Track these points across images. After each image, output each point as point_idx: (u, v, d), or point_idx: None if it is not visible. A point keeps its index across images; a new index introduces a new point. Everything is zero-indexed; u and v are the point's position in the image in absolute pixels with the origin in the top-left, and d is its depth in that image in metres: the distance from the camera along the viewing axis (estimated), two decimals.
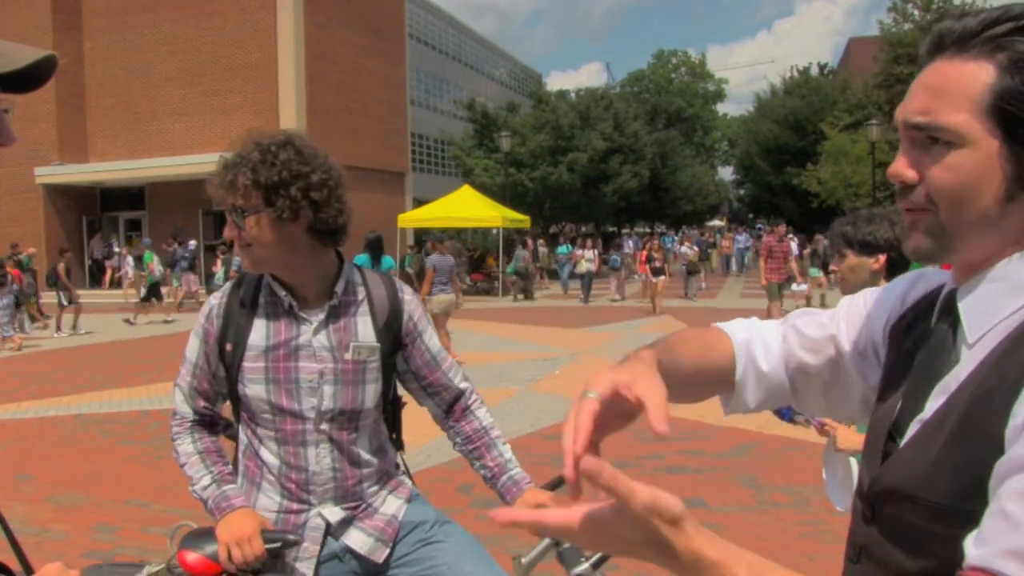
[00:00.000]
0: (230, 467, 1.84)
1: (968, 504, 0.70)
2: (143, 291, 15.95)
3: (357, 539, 1.78)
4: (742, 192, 62.03)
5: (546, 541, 1.74)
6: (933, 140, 0.78)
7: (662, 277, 16.46)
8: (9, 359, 11.45)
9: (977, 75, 0.76)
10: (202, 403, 1.82)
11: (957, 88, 0.77)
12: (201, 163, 21.00)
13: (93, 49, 24.54)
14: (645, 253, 18.25)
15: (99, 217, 25.41)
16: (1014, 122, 0.75)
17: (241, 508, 1.73)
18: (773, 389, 1.07)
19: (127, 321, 15.24)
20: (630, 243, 26.03)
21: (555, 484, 1.97)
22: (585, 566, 1.64)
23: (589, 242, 20.80)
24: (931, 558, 0.74)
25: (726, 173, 69.00)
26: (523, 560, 1.78)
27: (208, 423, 1.85)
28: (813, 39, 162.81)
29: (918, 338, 0.89)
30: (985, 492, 0.68)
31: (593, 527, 0.69)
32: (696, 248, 21.19)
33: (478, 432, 1.90)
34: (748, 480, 5.04)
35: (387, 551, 1.79)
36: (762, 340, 1.07)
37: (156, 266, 16.57)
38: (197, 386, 1.81)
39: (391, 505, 1.83)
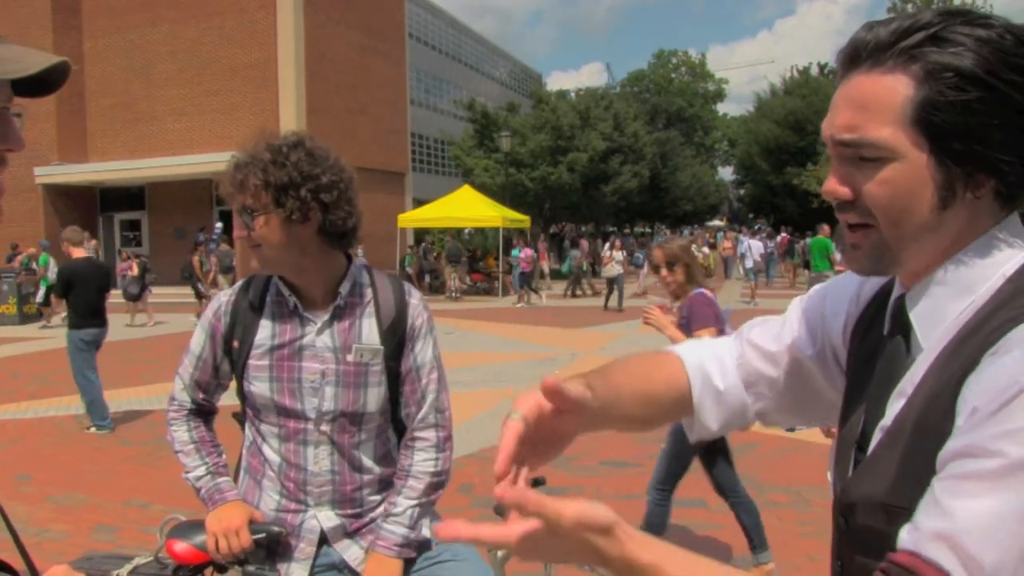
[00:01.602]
0: (224, 458, 1.86)
1: None
2: (40, 295, 15.49)
3: (357, 555, 1.77)
4: (742, 192, 62.03)
5: None
6: (863, 155, 0.80)
7: None
8: (9, 359, 11.45)
9: (896, 88, 0.77)
10: (201, 395, 1.86)
11: (879, 102, 0.78)
12: (201, 163, 21.04)
13: (93, 49, 24.54)
14: None
15: (98, 217, 25.41)
16: (939, 132, 0.76)
17: (232, 501, 1.76)
18: (733, 408, 1.05)
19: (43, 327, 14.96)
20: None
21: (534, 484, 1.95)
22: None
23: (619, 242, 19.54)
24: None
25: (726, 173, 69.03)
26: (499, 554, 1.77)
27: (204, 412, 1.89)
28: (814, 39, 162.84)
29: (875, 343, 0.90)
30: None
31: (530, 543, 0.72)
32: (707, 250, 20.48)
33: (402, 471, 1.80)
34: (748, 480, 5.03)
35: None
36: (716, 359, 1.07)
37: (51, 269, 16.13)
38: (199, 378, 1.84)
39: None
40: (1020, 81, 0.74)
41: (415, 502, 1.75)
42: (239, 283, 1.85)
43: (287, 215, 1.64)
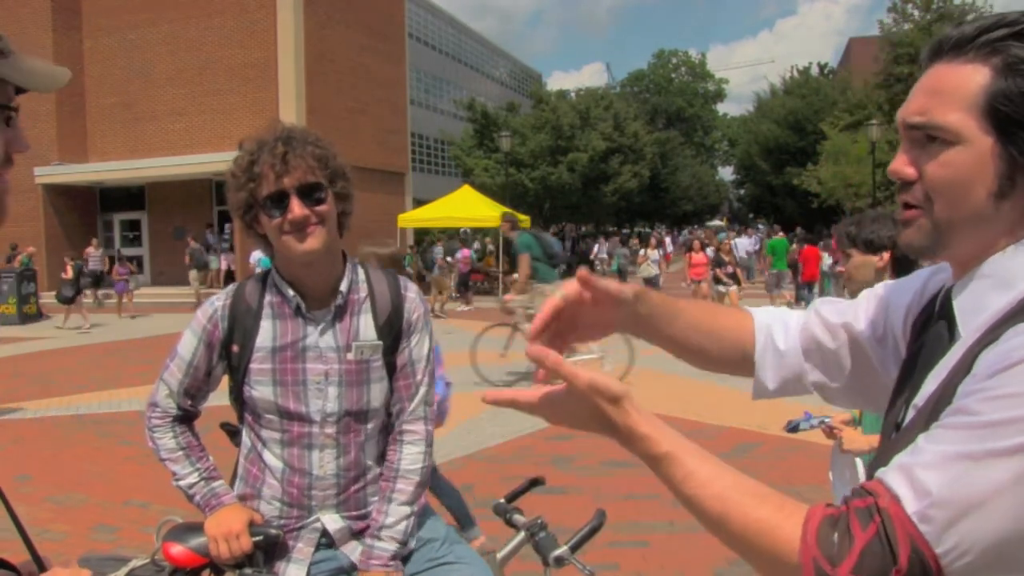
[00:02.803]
0: (212, 460, 1.83)
1: None
2: None
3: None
4: (742, 192, 62.02)
5: (520, 535, 1.73)
6: (931, 139, 0.82)
7: (732, 288, 13.02)
8: (9, 359, 11.44)
9: (972, 77, 0.80)
10: (188, 401, 1.80)
11: (953, 89, 0.81)
12: (201, 163, 21.04)
13: (93, 49, 24.54)
14: (698, 255, 14.34)
15: (98, 217, 25.41)
16: (1007, 122, 0.78)
17: (230, 504, 1.74)
18: (791, 370, 1.10)
19: None
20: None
21: (532, 483, 1.96)
22: (563, 549, 1.64)
23: (653, 239, 17.52)
24: None
25: (726, 173, 69.01)
26: (498, 555, 1.77)
27: (188, 419, 1.83)
28: (816, 38, 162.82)
29: (927, 336, 0.93)
30: None
31: (550, 403, 0.86)
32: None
33: (390, 471, 1.77)
34: None
35: None
36: (783, 322, 1.12)
37: None
38: (188, 385, 1.78)
39: None
40: None
41: (408, 510, 1.73)
42: (232, 285, 1.82)
43: (337, 194, 1.69)
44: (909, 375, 0.93)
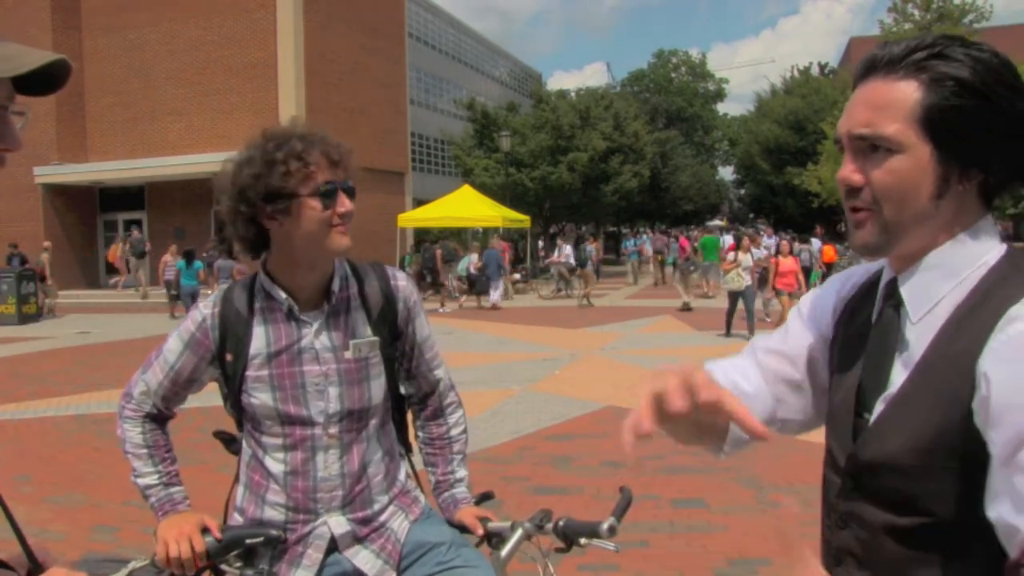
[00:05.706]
0: (176, 466, 1.81)
1: (952, 462, 0.86)
2: None
3: (367, 559, 1.74)
4: (742, 192, 62.05)
5: (519, 533, 1.72)
6: (874, 148, 0.94)
7: None
8: (9, 359, 11.45)
9: (907, 92, 0.92)
10: (164, 404, 1.79)
11: (893, 103, 0.93)
12: (201, 163, 21.05)
13: (92, 48, 24.55)
14: (787, 260, 12.15)
15: (98, 216, 25.41)
16: (941, 131, 0.91)
17: (184, 511, 1.73)
18: (762, 412, 1.10)
19: None
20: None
21: (482, 498, 1.96)
22: (611, 519, 1.65)
23: (746, 240, 12.96)
24: (921, 513, 0.89)
25: (726, 173, 69.02)
26: (501, 554, 1.76)
27: (161, 418, 1.81)
28: (818, 37, 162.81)
29: (865, 321, 1.03)
30: (961, 448, 0.84)
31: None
32: (767, 251, 15.02)
33: (441, 439, 1.92)
34: (748, 480, 5.03)
35: (395, 574, 1.76)
36: (737, 367, 1.15)
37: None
38: (168, 387, 1.76)
39: (404, 525, 1.81)
40: (1007, 94, 0.90)
41: (466, 471, 1.94)
42: (218, 292, 1.77)
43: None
44: (852, 362, 1.01)
